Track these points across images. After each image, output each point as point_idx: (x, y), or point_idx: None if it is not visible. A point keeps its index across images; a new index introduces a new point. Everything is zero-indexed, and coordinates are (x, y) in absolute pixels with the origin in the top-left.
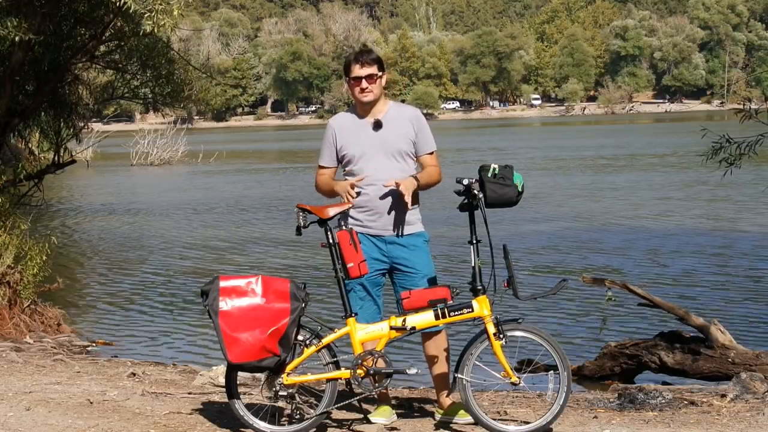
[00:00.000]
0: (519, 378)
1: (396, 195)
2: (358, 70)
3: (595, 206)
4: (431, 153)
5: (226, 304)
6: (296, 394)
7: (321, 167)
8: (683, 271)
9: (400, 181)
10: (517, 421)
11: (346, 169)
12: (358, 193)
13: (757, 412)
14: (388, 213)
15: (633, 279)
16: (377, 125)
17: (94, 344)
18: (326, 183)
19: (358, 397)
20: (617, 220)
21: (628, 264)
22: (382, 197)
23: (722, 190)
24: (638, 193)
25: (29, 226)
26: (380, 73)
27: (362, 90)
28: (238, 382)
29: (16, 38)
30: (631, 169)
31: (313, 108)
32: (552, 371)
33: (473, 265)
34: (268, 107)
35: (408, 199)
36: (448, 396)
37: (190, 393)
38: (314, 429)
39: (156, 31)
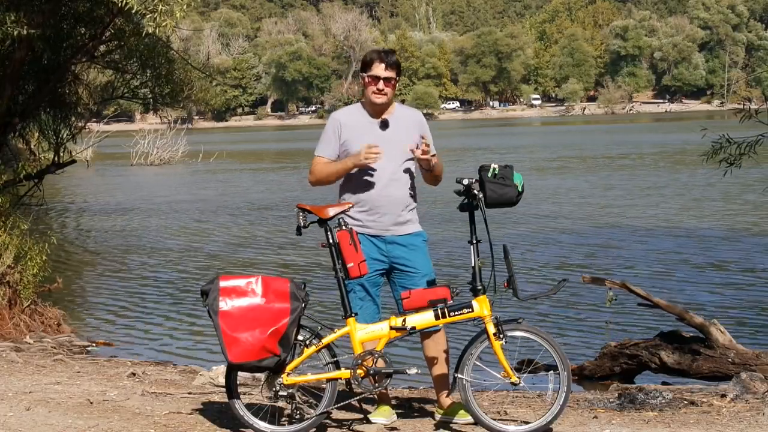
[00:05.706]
0: (519, 378)
1: (396, 194)
2: (381, 70)
3: (595, 206)
4: (434, 155)
5: (226, 304)
6: (296, 394)
7: (319, 156)
8: (683, 271)
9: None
10: (517, 421)
11: None
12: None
13: (757, 412)
14: (389, 213)
15: (632, 279)
16: (384, 125)
17: (94, 344)
18: (325, 167)
19: (358, 397)
20: (617, 220)
21: (628, 264)
22: (383, 197)
23: (722, 190)
24: (638, 193)
25: (29, 226)
26: (397, 78)
27: (378, 91)
28: (238, 382)
29: (15, 33)
30: (631, 169)
31: (313, 108)
32: (552, 371)
33: (473, 265)
34: (268, 107)
35: (430, 153)
36: (448, 396)
37: (190, 393)
38: (314, 429)
39: (157, 31)
